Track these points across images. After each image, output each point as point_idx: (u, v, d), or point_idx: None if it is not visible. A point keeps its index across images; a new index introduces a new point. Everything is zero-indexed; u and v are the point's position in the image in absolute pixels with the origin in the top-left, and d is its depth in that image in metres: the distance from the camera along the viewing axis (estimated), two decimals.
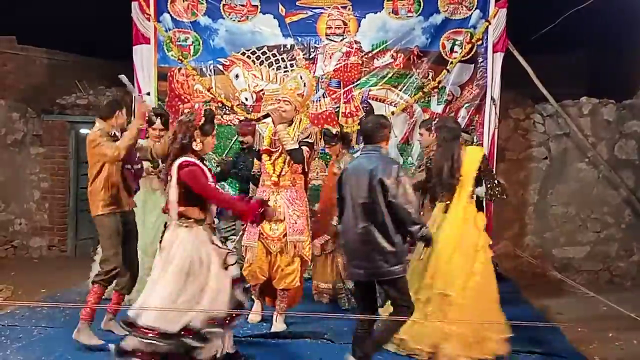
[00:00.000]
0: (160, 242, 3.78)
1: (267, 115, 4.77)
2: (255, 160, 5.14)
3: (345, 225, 3.84)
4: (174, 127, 3.94)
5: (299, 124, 4.75)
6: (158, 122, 5.25)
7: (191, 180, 3.63)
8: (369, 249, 3.69)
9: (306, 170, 4.81)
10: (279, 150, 4.70)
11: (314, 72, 6.85)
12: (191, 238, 3.67)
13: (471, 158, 4.45)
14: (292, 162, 4.67)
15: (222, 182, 6.39)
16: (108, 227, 4.41)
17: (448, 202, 4.40)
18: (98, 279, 4.41)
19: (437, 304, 4.21)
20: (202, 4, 6.94)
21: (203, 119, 3.80)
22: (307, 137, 4.68)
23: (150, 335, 3.51)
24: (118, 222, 4.45)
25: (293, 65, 6.86)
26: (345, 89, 6.85)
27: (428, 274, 4.27)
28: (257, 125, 5.64)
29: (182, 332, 3.52)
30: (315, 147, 4.81)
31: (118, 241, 4.43)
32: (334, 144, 5.36)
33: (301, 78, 4.74)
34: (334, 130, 5.38)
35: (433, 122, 5.32)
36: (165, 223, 3.84)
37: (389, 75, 6.78)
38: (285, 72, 6.84)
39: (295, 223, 4.69)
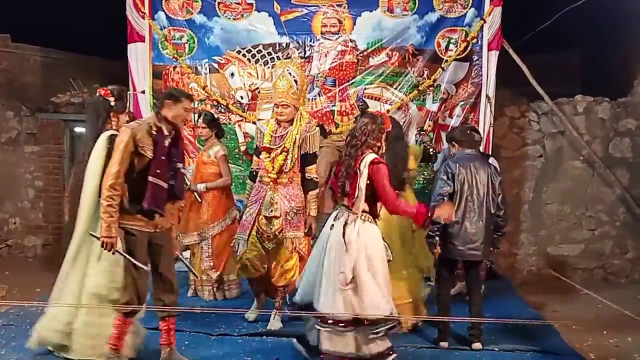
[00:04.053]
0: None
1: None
2: (254, 157, 5.12)
3: (465, 214, 4.51)
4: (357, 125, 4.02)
5: (300, 119, 4.75)
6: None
7: (378, 177, 3.79)
8: (488, 233, 4.56)
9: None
10: (279, 148, 4.72)
11: (310, 71, 6.86)
12: (376, 232, 3.89)
13: (414, 155, 5.53)
14: (294, 160, 4.70)
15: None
16: None
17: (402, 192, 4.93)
18: None
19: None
20: (197, 2, 6.92)
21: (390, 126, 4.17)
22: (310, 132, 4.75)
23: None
24: None
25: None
26: (341, 87, 6.85)
27: None
28: (257, 123, 5.60)
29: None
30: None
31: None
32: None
33: (290, 74, 4.71)
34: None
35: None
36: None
37: (385, 73, 6.79)
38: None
39: (292, 219, 4.71)
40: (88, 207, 3.87)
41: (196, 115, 7.09)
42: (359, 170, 3.82)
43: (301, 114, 4.81)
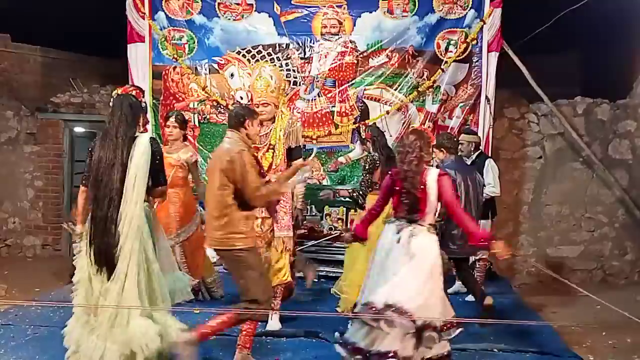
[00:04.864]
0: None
1: None
2: None
3: None
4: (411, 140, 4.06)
5: (282, 117, 4.79)
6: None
7: (447, 188, 3.90)
8: None
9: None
10: (265, 146, 4.74)
11: (310, 72, 6.86)
12: (437, 243, 3.98)
13: None
14: (281, 156, 4.72)
15: None
16: None
17: None
18: None
19: None
20: (197, 2, 6.93)
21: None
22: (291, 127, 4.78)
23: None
24: None
25: (288, 64, 6.87)
26: (341, 88, 6.86)
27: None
28: None
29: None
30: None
31: None
32: None
33: (267, 74, 4.75)
34: None
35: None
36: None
37: (384, 74, 6.79)
38: (280, 71, 6.82)
39: (283, 219, 4.74)
40: (140, 208, 3.55)
41: (195, 116, 7.12)
42: (426, 185, 3.94)
43: (282, 111, 4.85)
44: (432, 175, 3.94)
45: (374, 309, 3.73)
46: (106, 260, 3.45)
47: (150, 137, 3.63)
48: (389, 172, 4.13)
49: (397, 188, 4.01)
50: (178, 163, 5.35)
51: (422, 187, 3.93)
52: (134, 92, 3.72)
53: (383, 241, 4.04)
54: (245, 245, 3.83)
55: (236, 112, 4.00)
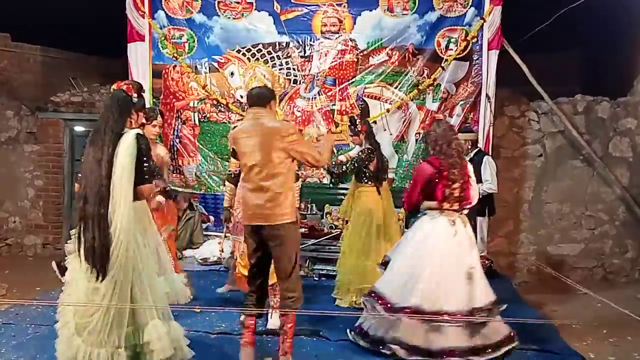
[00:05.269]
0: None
1: None
2: (232, 159, 5.07)
3: None
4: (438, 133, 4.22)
5: (275, 116, 4.77)
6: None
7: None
8: None
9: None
10: None
11: (310, 70, 6.86)
12: None
13: None
14: None
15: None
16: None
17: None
18: None
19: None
20: (197, 1, 6.94)
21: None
22: None
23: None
24: None
25: (288, 63, 6.86)
26: (341, 86, 6.86)
27: None
28: (233, 125, 5.49)
29: None
30: None
31: None
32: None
33: (264, 76, 4.75)
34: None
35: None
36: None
37: (385, 72, 6.79)
38: (280, 69, 6.83)
39: None
40: (128, 206, 3.42)
41: (195, 115, 7.12)
42: (470, 174, 4.15)
43: (276, 111, 4.84)
44: (470, 167, 4.20)
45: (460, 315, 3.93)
46: (96, 260, 3.33)
47: (137, 133, 3.48)
48: (428, 162, 4.16)
49: (444, 179, 4.03)
50: (160, 160, 5.27)
51: (468, 176, 4.13)
52: (124, 87, 3.61)
53: (436, 240, 4.10)
54: (293, 218, 3.89)
55: (261, 92, 4.00)
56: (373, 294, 4.25)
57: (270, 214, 3.78)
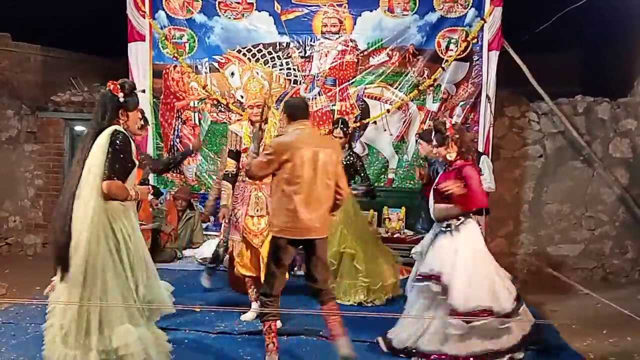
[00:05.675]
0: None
1: None
2: (228, 159, 5.08)
3: None
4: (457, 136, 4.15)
5: (273, 117, 4.80)
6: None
7: (476, 180, 4.07)
8: None
9: None
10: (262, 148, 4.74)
11: (310, 70, 6.87)
12: None
13: None
14: None
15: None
16: None
17: None
18: None
19: None
20: (198, 1, 6.95)
21: None
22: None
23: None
24: None
25: (289, 63, 6.87)
26: (341, 87, 6.86)
27: None
28: (230, 127, 5.44)
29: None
30: None
31: None
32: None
33: (259, 75, 4.77)
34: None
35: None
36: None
37: (385, 73, 6.80)
38: (280, 69, 6.85)
39: None
40: (96, 202, 3.31)
41: (196, 115, 7.13)
42: (467, 176, 4.10)
43: (272, 111, 4.86)
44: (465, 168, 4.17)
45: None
46: (57, 258, 3.24)
47: (115, 129, 3.35)
48: (471, 166, 4.16)
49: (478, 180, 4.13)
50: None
51: (461, 179, 4.10)
52: (111, 87, 3.49)
53: (476, 238, 4.14)
54: None
55: (305, 104, 4.09)
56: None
57: (321, 228, 3.88)
